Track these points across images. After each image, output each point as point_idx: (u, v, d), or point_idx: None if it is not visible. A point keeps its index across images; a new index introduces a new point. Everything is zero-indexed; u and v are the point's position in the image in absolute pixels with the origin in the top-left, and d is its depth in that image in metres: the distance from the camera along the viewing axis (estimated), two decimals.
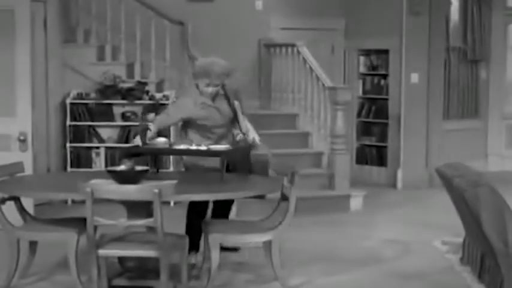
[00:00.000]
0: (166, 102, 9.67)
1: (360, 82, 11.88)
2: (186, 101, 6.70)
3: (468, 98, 12.38)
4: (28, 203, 6.74)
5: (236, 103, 6.87)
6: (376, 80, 11.71)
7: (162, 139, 6.47)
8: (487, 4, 12.45)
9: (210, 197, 6.04)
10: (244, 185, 6.23)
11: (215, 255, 5.72)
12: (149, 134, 6.42)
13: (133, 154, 6.33)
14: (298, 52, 10.38)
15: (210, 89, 6.57)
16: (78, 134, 9.70)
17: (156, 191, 5.18)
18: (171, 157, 9.65)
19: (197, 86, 6.63)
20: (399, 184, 11.18)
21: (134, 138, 6.61)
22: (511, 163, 12.57)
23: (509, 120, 12.80)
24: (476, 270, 6.28)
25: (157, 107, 9.67)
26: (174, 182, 5.53)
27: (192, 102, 6.61)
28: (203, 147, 6.30)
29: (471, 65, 12.41)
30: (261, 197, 6.18)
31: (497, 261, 5.54)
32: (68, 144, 9.67)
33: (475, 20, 12.21)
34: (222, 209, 6.78)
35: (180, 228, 6.38)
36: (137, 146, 6.36)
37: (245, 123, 6.89)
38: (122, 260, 5.85)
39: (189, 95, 6.78)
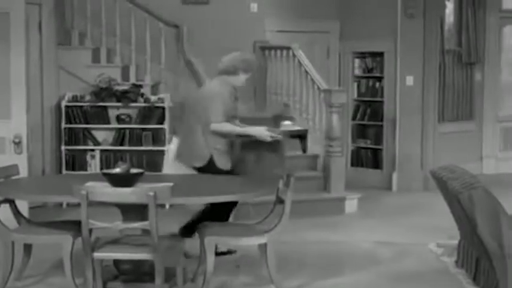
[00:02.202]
0: (161, 105, 9.68)
1: (355, 85, 11.88)
2: (225, 94, 6.91)
3: (463, 101, 12.39)
4: (23, 206, 6.73)
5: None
6: (371, 82, 11.72)
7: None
8: (482, 7, 12.46)
9: (207, 200, 6.05)
10: (242, 187, 6.23)
11: (210, 258, 5.72)
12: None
13: None
14: (293, 55, 10.39)
15: (244, 81, 7.15)
16: (73, 137, 9.70)
17: (152, 193, 5.18)
18: (165, 159, 9.65)
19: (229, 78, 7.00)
20: (394, 187, 11.19)
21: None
22: (505, 165, 12.59)
23: (504, 123, 12.81)
24: (471, 273, 6.28)
25: (152, 110, 9.68)
26: (170, 184, 5.53)
27: (228, 94, 6.94)
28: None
29: (466, 67, 12.42)
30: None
31: (492, 263, 5.55)
32: (63, 147, 9.66)
33: (469, 22, 12.22)
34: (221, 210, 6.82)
35: (176, 231, 6.38)
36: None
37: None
38: (117, 262, 5.84)
39: (224, 88, 6.97)
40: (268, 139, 6.87)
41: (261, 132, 6.88)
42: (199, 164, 6.88)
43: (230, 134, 6.87)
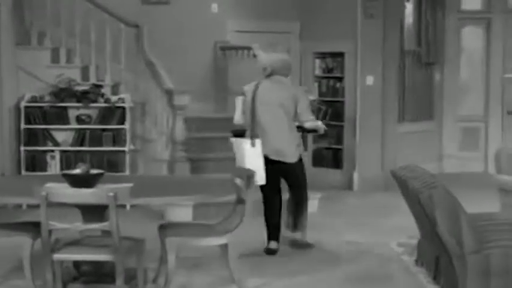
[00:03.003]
0: (122, 105, 9.63)
1: (316, 85, 11.92)
2: None
3: (423, 101, 12.49)
4: None
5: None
6: (331, 82, 11.77)
7: None
8: (441, 8, 12.57)
9: (166, 201, 6.03)
10: (200, 188, 6.22)
11: (172, 258, 5.71)
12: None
13: None
14: (254, 55, 10.39)
15: None
16: (32, 137, 9.62)
17: (112, 194, 5.15)
18: (127, 160, 9.63)
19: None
20: (355, 186, 11.24)
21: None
22: (465, 165, 12.70)
23: (463, 122, 12.93)
24: (431, 272, 6.33)
25: (112, 110, 9.62)
26: (130, 185, 5.50)
27: None
28: None
29: (425, 67, 12.52)
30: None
31: (451, 262, 5.60)
32: (22, 148, 9.58)
33: (429, 23, 12.32)
34: (296, 202, 7.57)
35: (137, 232, 6.34)
36: None
37: None
38: (77, 264, 5.81)
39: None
40: (322, 131, 7.67)
41: (320, 125, 7.59)
42: (293, 160, 7.38)
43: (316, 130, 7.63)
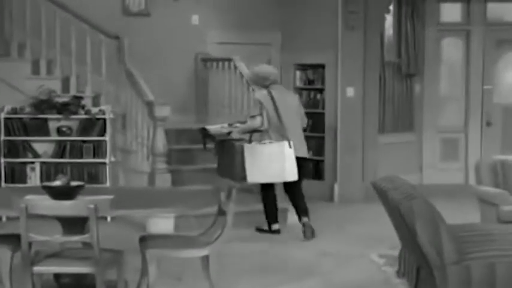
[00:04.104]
0: (103, 116, 9.61)
1: (297, 96, 11.93)
2: None
3: (403, 112, 12.55)
4: None
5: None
6: (312, 94, 11.80)
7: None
8: (421, 20, 12.65)
9: (147, 212, 6.01)
10: (182, 200, 6.21)
11: (152, 270, 5.69)
12: None
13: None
14: (235, 66, 10.41)
15: None
16: (12, 149, 9.57)
17: (92, 206, 5.13)
18: (108, 172, 9.61)
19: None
20: (336, 197, 11.26)
21: None
22: (445, 176, 12.75)
23: (443, 134, 12.99)
24: (412, 283, 6.34)
25: (93, 122, 9.60)
26: (110, 197, 5.48)
27: None
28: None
29: (405, 79, 12.58)
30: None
31: (432, 272, 5.61)
32: (1, 160, 9.53)
33: (409, 35, 12.39)
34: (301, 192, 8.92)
35: (117, 243, 6.32)
36: None
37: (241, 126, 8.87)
38: (57, 276, 5.77)
39: None
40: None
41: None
42: (306, 155, 8.91)
43: None
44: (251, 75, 9.19)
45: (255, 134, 8.61)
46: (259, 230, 8.95)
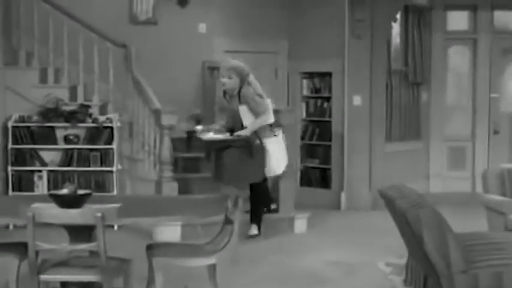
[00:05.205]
0: (110, 125, 9.63)
1: (304, 105, 11.95)
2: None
3: (410, 120, 12.53)
4: None
5: (242, 107, 8.39)
6: (319, 102, 11.80)
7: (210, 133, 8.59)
8: (428, 28, 12.64)
9: (154, 221, 6.01)
10: (188, 208, 6.21)
11: (159, 278, 5.69)
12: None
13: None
14: None
15: (222, 81, 8.45)
16: (20, 157, 9.59)
17: (99, 214, 5.14)
18: (115, 180, 9.62)
19: None
20: (343, 206, 11.25)
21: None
22: (452, 184, 12.72)
23: (450, 142, 12.96)
24: None
25: (100, 130, 9.62)
26: (117, 205, 5.49)
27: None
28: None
29: (412, 87, 12.57)
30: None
31: (439, 281, 5.60)
32: (9, 168, 9.55)
33: (415, 43, 12.38)
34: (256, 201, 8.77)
35: (124, 252, 6.33)
36: None
37: (250, 125, 8.43)
38: (64, 284, 5.77)
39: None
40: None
41: None
42: None
43: None
44: (239, 68, 8.51)
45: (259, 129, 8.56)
46: (252, 236, 8.85)
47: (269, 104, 8.51)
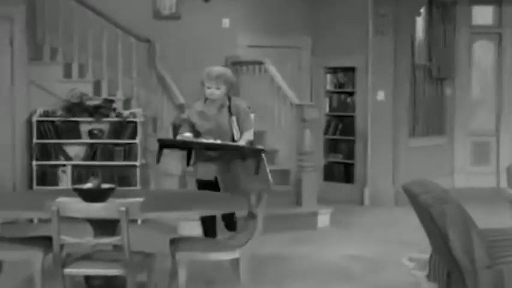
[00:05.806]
0: (133, 119, 9.66)
1: (327, 100, 11.94)
2: (193, 106, 7.45)
3: (434, 115, 12.48)
4: None
5: (233, 118, 7.37)
6: (342, 97, 11.77)
7: (188, 134, 7.15)
8: (452, 23, 12.58)
9: (178, 215, 6.03)
10: (212, 203, 6.23)
11: (182, 273, 5.70)
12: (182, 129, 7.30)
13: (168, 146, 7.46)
14: (265, 70, 10.40)
15: (208, 91, 7.25)
16: (44, 152, 9.65)
17: (123, 209, 5.16)
18: (138, 174, 9.64)
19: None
20: (366, 201, 11.22)
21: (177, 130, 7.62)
22: (476, 180, 12.67)
23: (474, 137, 12.91)
24: (442, 287, 6.30)
25: (124, 125, 9.66)
26: (141, 199, 5.51)
27: (195, 108, 7.37)
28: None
29: (436, 82, 12.52)
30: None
31: (463, 277, 5.57)
32: (34, 162, 9.61)
33: (439, 38, 12.33)
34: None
35: (147, 246, 6.35)
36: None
37: (244, 137, 7.32)
38: (88, 278, 5.81)
39: (197, 102, 7.46)
40: None
41: None
42: None
43: None
44: (227, 75, 7.43)
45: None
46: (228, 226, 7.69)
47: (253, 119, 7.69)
